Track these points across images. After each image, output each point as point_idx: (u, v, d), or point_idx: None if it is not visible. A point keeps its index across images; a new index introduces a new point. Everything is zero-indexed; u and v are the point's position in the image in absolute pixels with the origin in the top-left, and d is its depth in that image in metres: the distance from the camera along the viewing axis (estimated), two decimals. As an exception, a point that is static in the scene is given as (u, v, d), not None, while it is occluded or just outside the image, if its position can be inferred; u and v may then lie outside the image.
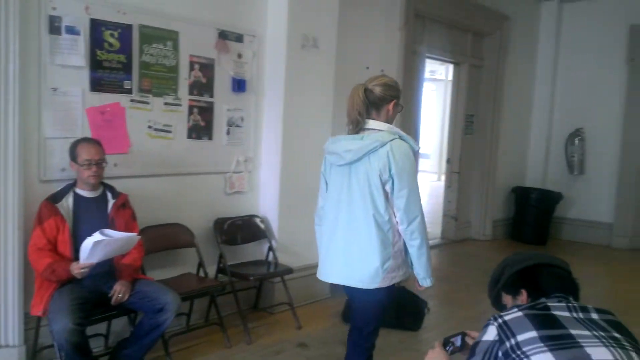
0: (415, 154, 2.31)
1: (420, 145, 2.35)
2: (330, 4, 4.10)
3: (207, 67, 3.61)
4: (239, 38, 3.79)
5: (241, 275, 3.57)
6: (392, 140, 2.20)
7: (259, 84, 3.94)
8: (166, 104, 3.42)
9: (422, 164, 11.46)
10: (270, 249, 3.91)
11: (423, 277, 2.31)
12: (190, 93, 3.54)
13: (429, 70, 8.03)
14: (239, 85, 3.79)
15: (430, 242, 6.42)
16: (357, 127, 2.28)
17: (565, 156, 7.10)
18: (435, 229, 7.17)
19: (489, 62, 6.65)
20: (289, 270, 3.74)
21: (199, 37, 3.55)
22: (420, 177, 6.52)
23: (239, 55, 3.81)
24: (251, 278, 3.55)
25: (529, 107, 7.35)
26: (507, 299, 1.64)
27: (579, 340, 1.29)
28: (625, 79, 6.63)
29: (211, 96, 3.66)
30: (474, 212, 6.92)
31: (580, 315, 1.38)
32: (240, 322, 3.47)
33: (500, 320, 1.39)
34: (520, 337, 1.32)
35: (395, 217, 2.22)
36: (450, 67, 7.33)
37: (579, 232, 7.04)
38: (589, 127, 6.94)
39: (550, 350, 1.26)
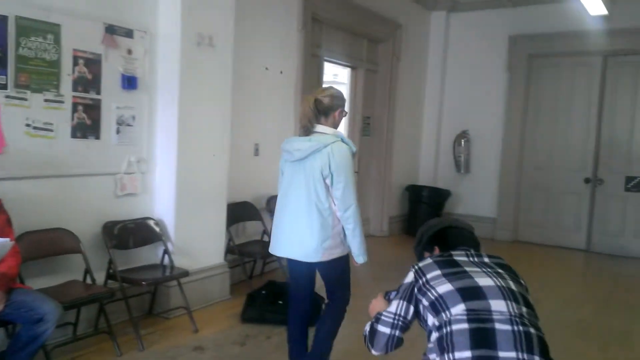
0: (353, 155, 2.73)
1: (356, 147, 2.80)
2: (226, 2, 4.06)
3: (93, 63, 3.43)
4: (128, 33, 3.64)
5: (133, 280, 3.43)
6: (334, 142, 2.65)
7: (152, 81, 3.81)
8: (46, 100, 3.20)
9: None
10: (166, 252, 3.80)
11: (357, 254, 2.80)
12: (75, 89, 3.34)
13: (332, 73, 8.22)
14: (130, 82, 3.65)
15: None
16: (307, 131, 2.74)
17: (453, 156, 7.61)
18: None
19: (384, 67, 6.95)
20: (185, 273, 3.66)
21: (84, 31, 3.36)
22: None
23: (129, 52, 3.66)
24: (143, 283, 3.43)
25: (420, 110, 7.78)
26: (426, 254, 2.08)
27: (471, 274, 1.73)
28: (505, 86, 7.24)
29: (98, 93, 3.48)
30: (372, 210, 7.20)
31: (475, 259, 1.84)
32: (132, 329, 3.34)
33: (416, 267, 1.87)
34: (429, 276, 1.78)
35: (334, 205, 2.67)
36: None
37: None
38: (474, 129, 7.49)
39: (449, 281, 1.71)
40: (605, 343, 3.64)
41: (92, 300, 3.20)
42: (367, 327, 1.96)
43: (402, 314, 1.84)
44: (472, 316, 1.59)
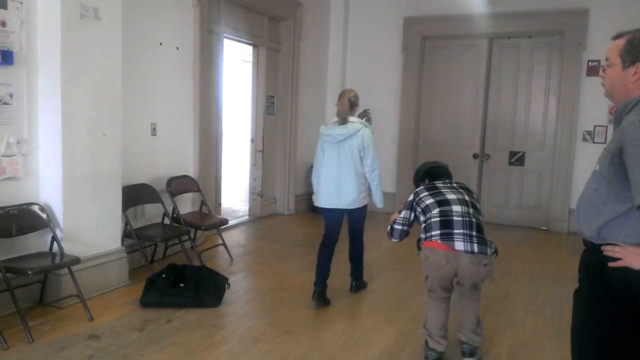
0: (372, 134, 4.03)
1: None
2: (113, -27, 3.85)
3: (-41, 35, 3.11)
4: (2, 4, 3.34)
5: (17, 270, 3.22)
6: (362, 127, 3.93)
7: (30, 56, 3.53)
8: None
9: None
10: (55, 239, 3.58)
11: (378, 201, 4.11)
12: (-62, 64, 3.02)
13: (240, 52, 8.07)
14: (5, 57, 3.36)
15: (237, 219, 6.58)
16: (344, 121, 3.95)
17: (356, 134, 7.82)
18: (242, 206, 7.34)
19: (286, 45, 6.95)
20: (76, 261, 3.49)
21: (-53, -2, 3.04)
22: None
23: (3, 24, 3.36)
24: (29, 272, 3.22)
25: (324, 90, 7.89)
26: (420, 184, 3.28)
27: (444, 193, 3.06)
28: (401, 66, 7.53)
29: (-33, 69, 3.17)
30: (278, 189, 7.24)
31: (448, 185, 3.17)
32: (20, 320, 3.14)
33: (415, 192, 3.16)
34: (421, 195, 3.09)
35: (365, 170, 3.96)
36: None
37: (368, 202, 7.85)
38: (374, 108, 7.74)
39: (432, 197, 3.03)
40: (487, 307, 3.99)
41: (-30, 294, 2.97)
42: (389, 228, 3.24)
43: (408, 217, 3.15)
44: (442, 214, 2.94)
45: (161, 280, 3.78)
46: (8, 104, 3.43)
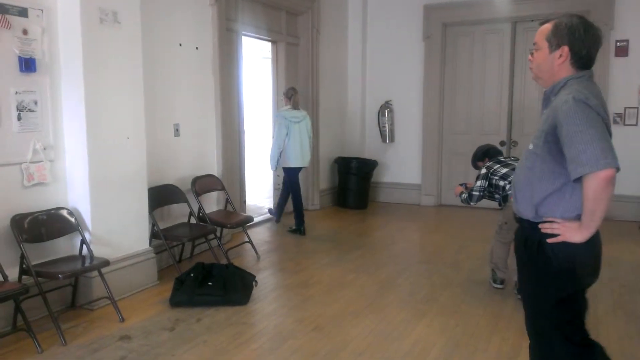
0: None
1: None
2: (130, -25, 3.86)
3: (-17, 45, 3.17)
4: (22, 12, 3.38)
5: (48, 274, 3.27)
6: (307, 115, 5.98)
7: (53, 63, 3.58)
8: None
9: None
10: (84, 242, 3.63)
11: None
12: (-35, 75, 3.08)
13: (260, 49, 8.10)
14: (28, 64, 3.40)
15: (263, 216, 6.59)
16: (297, 108, 5.82)
17: (378, 126, 7.75)
18: (267, 203, 7.35)
19: (304, 40, 6.91)
20: (106, 263, 3.53)
21: (-30, 10, 3.09)
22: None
23: (25, 32, 3.40)
24: (60, 276, 3.26)
25: (344, 83, 7.83)
26: (479, 163, 4.21)
27: (512, 163, 3.93)
28: (422, 55, 7.42)
29: (-8, 78, 3.23)
30: (302, 184, 7.19)
31: (510, 158, 4.12)
32: (53, 324, 3.20)
33: (487, 166, 3.98)
34: (495, 167, 3.93)
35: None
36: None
37: (393, 194, 7.79)
38: (396, 99, 7.66)
39: (504, 167, 3.89)
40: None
41: (5, 298, 3.02)
42: (464, 196, 4.01)
43: (484, 185, 3.92)
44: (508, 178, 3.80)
45: (189, 279, 3.81)
46: (33, 110, 3.48)
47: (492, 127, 7.20)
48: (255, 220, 6.19)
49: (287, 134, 5.70)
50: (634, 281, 4.26)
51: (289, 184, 5.94)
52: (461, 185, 4.16)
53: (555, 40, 1.90)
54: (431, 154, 7.51)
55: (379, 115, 7.72)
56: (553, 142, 1.81)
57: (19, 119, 3.40)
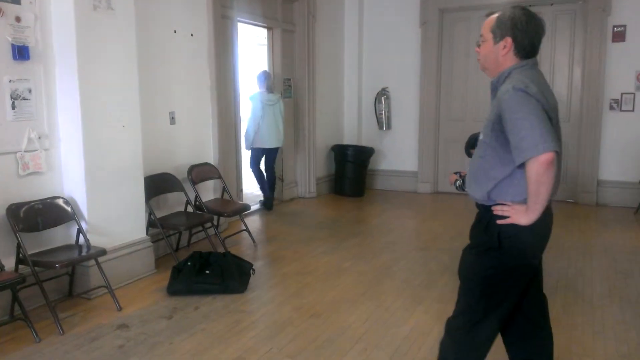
0: None
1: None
2: (123, -38, 3.81)
3: (-25, 33, 3.12)
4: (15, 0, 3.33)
5: (45, 263, 3.27)
6: (280, 98, 6.25)
7: (46, 51, 3.54)
8: None
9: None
10: (80, 231, 3.62)
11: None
12: (-44, 63, 3.04)
13: (255, 35, 8.04)
14: (21, 52, 3.37)
15: (258, 205, 6.59)
16: (271, 91, 6.12)
17: (375, 114, 7.73)
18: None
19: (300, 26, 6.85)
20: (102, 252, 3.52)
21: (-40, -3, 3.04)
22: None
23: (17, 19, 3.36)
24: (57, 265, 3.26)
25: (341, 70, 7.79)
26: (472, 151, 2.87)
27: None
28: (419, 41, 7.37)
29: (-16, 66, 3.19)
30: (298, 172, 7.22)
31: None
32: (50, 313, 3.20)
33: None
34: None
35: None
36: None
37: (390, 182, 7.79)
38: (393, 86, 7.62)
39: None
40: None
41: (2, 288, 3.01)
42: (459, 183, 2.90)
43: None
44: None
45: (187, 268, 3.81)
46: (27, 99, 3.44)
47: (487, 113, 7.16)
48: (252, 208, 6.18)
49: (261, 116, 5.99)
50: (630, 267, 4.29)
51: (254, 162, 6.34)
52: (455, 173, 4.17)
53: (499, 31, 1.97)
54: (428, 141, 7.50)
55: (375, 103, 7.69)
56: (500, 131, 1.89)
57: (13, 107, 3.37)
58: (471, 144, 4.26)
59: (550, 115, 1.85)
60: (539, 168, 1.78)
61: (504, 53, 1.98)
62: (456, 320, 2.13)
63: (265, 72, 6.24)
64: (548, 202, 1.92)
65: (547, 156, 1.76)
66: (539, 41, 1.99)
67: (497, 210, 1.96)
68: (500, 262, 1.97)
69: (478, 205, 2.09)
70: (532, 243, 1.97)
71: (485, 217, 2.02)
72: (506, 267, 1.97)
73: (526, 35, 1.95)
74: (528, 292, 2.11)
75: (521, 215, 1.89)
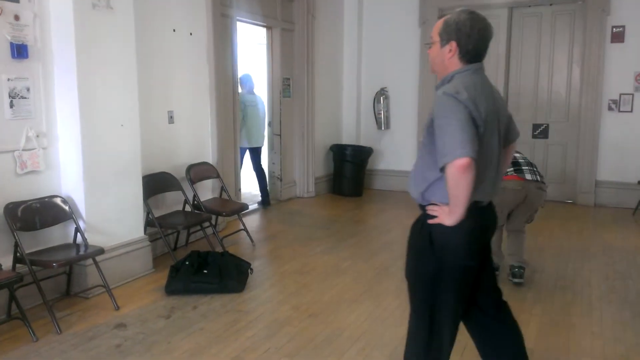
0: None
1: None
2: (121, -40, 3.80)
3: (-27, 31, 3.11)
4: (13, -3, 3.32)
5: (42, 262, 3.26)
6: (261, 98, 6.59)
7: (45, 49, 3.53)
8: None
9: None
10: (78, 230, 3.62)
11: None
12: (-45, 61, 3.03)
13: (255, 34, 8.04)
14: (20, 51, 3.36)
15: (257, 205, 6.57)
16: (252, 93, 6.40)
17: (374, 113, 7.72)
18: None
19: (300, 25, 6.84)
20: (100, 251, 3.52)
21: (-42, -5, 3.03)
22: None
23: (16, 17, 3.35)
24: (54, 265, 3.25)
25: (340, 69, 7.79)
26: None
27: None
28: (419, 41, 7.36)
29: (-18, 64, 3.18)
30: (297, 172, 7.21)
31: None
32: (48, 312, 3.19)
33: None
34: None
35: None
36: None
37: (389, 182, 7.79)
38: (392, 85, 7.62)
39: None
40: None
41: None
42: None
43: None
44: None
45: (185, 267, 3.80)
46: (25, 97, 3.43)
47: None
48: (251, 208, 6.19)
49: (242, 117, 6.16)
50: (628, 267, 4.29)
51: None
52: None
53: (445, 35, 2.00)
54: (427, 141, 7.49)
55: (374, 102, 7.69)
56: (433, 135, 1.93)
57: (11, 106, 3.36)
58: None
59: (478, 122, 1.88)
60: (455, 172, 1.83)
61: (449, 57, 2.00)
62: (411, 321, 2.22)
63: (247, 74, 6.42)
64: (485, 202, 2.03)
65: (462, 161, 1.81)
66: (485, 46, 2.01)
67: (429, 210, 2.03)
68: (436, 262, 2.02)
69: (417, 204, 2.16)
70: (464, 244, 2.00)
71: (421, 216, 2.09)
72: (442, 266, 2.02)
73: (470, 40, 1.97)
74: (481, 290, 2.17)
75: (446, 216, 1.95)
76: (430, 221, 2.00)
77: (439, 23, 2.04)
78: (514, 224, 3.98)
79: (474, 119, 1.87)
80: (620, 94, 6.41)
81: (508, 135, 2.18)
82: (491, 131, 1.97)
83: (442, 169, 1.88)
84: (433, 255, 2.02)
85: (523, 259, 3.93)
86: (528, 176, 3.80)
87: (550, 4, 6.72)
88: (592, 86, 6.49)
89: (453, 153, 1.82)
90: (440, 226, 1.97)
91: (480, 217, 2.04)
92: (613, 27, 6.34)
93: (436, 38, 2.04)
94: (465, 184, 1.84)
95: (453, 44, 1.98)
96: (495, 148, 2.01)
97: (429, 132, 1.96)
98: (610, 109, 6.48)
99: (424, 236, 2.04)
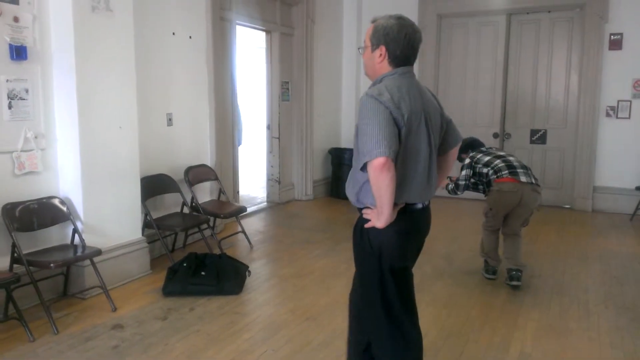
0: None
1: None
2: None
3: (-27, 32, 3.12)
4: (13, 0, 3.34)
5: (40, 263, 3.26)
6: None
7: (44, 51, 3.54)
8: None
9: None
10: (76, 231, 3.62)
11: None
12: (-45, 62, 3.04)
13: (256, 38, 8.08)
14: (19, 52, 3.36)
15: (256, 207, 6.57)
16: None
17: (372, 118, 7.72)
18: (261, 193, 7.35)
19: (299, 30, 6.87)
20: (98, 252, 3.52)
21: (-41, -5, 3.04)
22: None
23: (16, 19, 3.36)
24: (52, 265, 3.25)
25: (338, 73, 7.81)
26: (463, 156, 4.18)
27: (495, 152, 4.16)
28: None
29: (-18, 66, 3.19)
30: (295, 175, 7.22)
31: (492, 148, 4.37)
32: (45, 313, 3.19)
33: (470, 156, 4.14)
34: (478, 156, 4.11)
35: None
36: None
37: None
38: (391, 90, 7.62)
39: (487, 155, 4.07)
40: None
41: (-4, 287, 3.01)
42: (451, 186, 4.13)
43: (469, 174, 4.07)
44: (504, 161, 3.95)
45: (182, 269, 3.80)
46: (24, 99, 3.44)
47: (485, 119, 7.21)
48: (249, 210, 6.19)
49: None
50: (625, 273, 4.30)
51: None
52: (446, 178, 4.30)
53: (375, 40, 2.05)
54: (425, 145, 7.50)
55: (373, 107, 7.70)
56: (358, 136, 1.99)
57: (10, 107, 3.36)
58: (462, 149, 4.30)
59: (400, 123, 1.92)
60: (373, 171, 1.88)
61: (379, 61, 2.06)
62: (356, 322, 2.30)
63: None
64: (419, 205, 2.09)
65: (378, 160, 1.85)
66: (413, 50, 2.05)
67: (364, 214, 2.08)
68: (377, 264, 2.08)
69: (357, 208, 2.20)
70: (396, 246, 2.06)
71: (359, 219, 2.13)
72: (383, 268, 2.08)
73: (398, 45, 2.02)
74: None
75: (376, 218, 1.99)
76: (366, 225, 2.05)
77: (370, 28, 2.09)
78: (510, 227, 3.99)
79: (395, 120, 1.91)
80: (618, 101, 6.44)
81: (448, 139, 2.23)
82: (417, 133, 2.00)
83: (364, 169, 1.93)
84: (374, 257, 2.08)
85: (520, 262, 3.94)
86: (523, 178, 3.83)
87: (549, 11, 6.75)
88: (590, 93, 6.52)
89: (370, 153, 1.87)
90: (374, 229, 2.02)
91: (411, 220, 2.09)
92: (611, 34, 6.37)
93: (367, 43, 2.09)
94: (385, 183, 1.88)
95: (382, 49, 2.03)
96: (424, 150, 2.04)
97: (357, 135, 2.00)
98: (608, 115, 6.51)
99: (364, 240, 2.09)
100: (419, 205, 2.11)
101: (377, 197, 1.92)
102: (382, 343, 2.17)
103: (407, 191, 2.02)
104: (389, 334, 2.14)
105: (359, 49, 2.18)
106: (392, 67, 2.05)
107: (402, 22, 2.03)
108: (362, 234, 2.10)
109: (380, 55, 2.04)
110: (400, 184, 1.96)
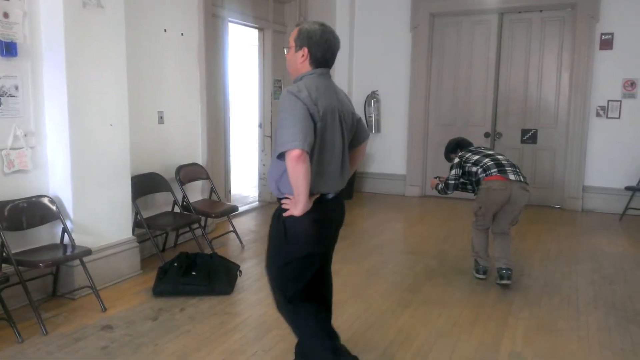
0: None
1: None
2: (113, -41, 3.77)
3: (-39, 28, 3.08)
4: (2, -6, 3.29)
5: (29, 263, 3.22)
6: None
7: (34, 47, 3.49)
8: None
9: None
10: (65, 230, 3.58)
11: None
12: (-59, 58, 2.99)
13: (248, 35, 8.04)
14: (8, 48, 3.32)
15: (248, 206, 6.55)
16: None
17: (364, 116, 7.74)
18: (252, 192, 7.32)
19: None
20: (87, 252, 3.48)
21: (-54, -9, 2.99)
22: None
23: (5, 15, 3.32)
24: (41, 265, 3.22)
25: (331, 72, 7.76)
26: (452, 156, 4.30)
27: (484, 150, 4.17)
28: (410, 45, 7.40)
29: (-30, 62, 3.14)
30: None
31: (481, 147, 4.30)
32: (34, 313, 3.16)
33: (459, 155, 4.16)
34: (467, 155, 4.12)
35: None
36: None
37: (379, 185, 7.81)
38: (383, 89, 7.65)
39: (476, 154, 4.09)
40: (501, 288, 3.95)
41: (-16, 287, 2.97)
42: (440, 186, 4.19)
43: (458, 174, 4.09)
44: (492, 159, 3.98)
45: (173, 269, 3.78)
46: (14, 96, 3.40)
47: (477, 118, 7.23)
48: (240, 209, 6.17)
49: None
50: (615, 273, 4.34)
51: None
52: (435, 178, 4.37)
53: (299, 42, 2.26)
54: (416, 144, 7.53)
55: (365, 105, 7.71)
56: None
57: (-1, 104, 3.32)
58: (450, 149, 4.41)
59: (316, 119, 2.11)
60: (289, 162, 2.04)
61: (301, 61, 2.26)
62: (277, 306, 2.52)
63: None
64: (331, 195, 2.26)
65: (293, 152, 2.02)
66: (331, 54, 2.29)
67: (283, 203, 2.22)
68: (291, 252, 2.26)
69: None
70: (309, 232, 2.22)
71: (278, 208, 2.27)
72: (296, 255, 2.27)
73: (319, 48, 2.24)
74: (323, 286, 2.54)
75: (293, 207, 2.14)
76: (285, 214, 2.19)
77: (295, 31, 2.29)
78: (499, 226, 4.01)
79: (312, 115, 2.10)
80: (608, 101, 6.48)
81: (357, 135, 2.45)
82: (332, 128, 2.20)
83: (280, 157, 2.08)
84: (287, 246, 2.26)
85: (510, 261, 3.96)
86: (511, 176, 3.86)
87: (540, 11, 6.78)
88: (581, 92, 6.56)
89: (285, 145, 2.03)
90: (291, 217, 2.17)
91: (325, 208, 2.26)
92: (602, 34, 6.41)
93: (292, 44, 2.28)
94: (301, 174, 2.03)
95: (305, 50, 2.24)
96: (338, 144, 2.24)
97: (277, 127, 2.14)
98: (598, 115, 6.55)
99: (280, 229, 2.25)
100: (331, 195, 2.28)
101: (295, 187, 2.07)
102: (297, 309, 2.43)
103: (324, 183, 2.21)
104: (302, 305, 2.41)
105: (284, 48, 2.35)
106: (312, 67, 2.26)
107: (324, 29, 2.26)
108: (278, 223, 2.25)
109: (303, 56, 2.24)
110: (316, 174, 2.15)
